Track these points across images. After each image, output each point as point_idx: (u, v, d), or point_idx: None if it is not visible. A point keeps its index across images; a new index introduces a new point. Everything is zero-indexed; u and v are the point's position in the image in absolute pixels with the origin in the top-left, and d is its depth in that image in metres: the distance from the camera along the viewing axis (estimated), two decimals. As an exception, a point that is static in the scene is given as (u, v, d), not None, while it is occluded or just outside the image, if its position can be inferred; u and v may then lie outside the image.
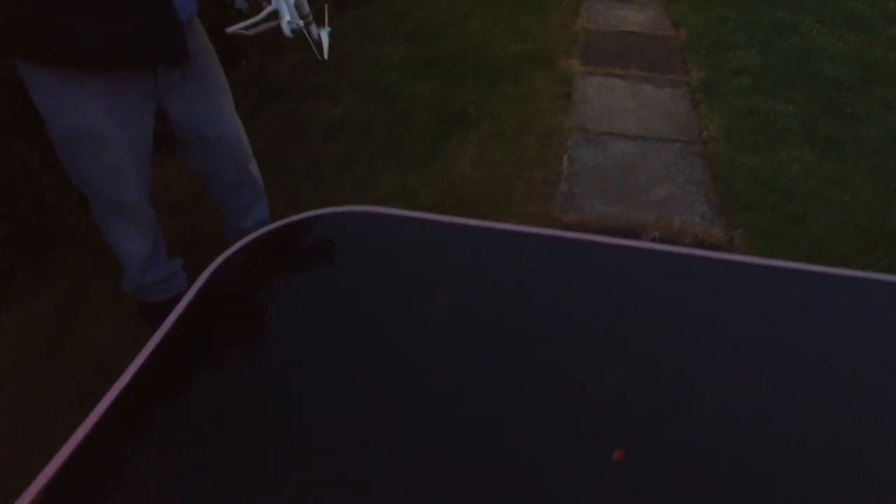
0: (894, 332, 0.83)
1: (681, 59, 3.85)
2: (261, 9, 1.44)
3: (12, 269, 2.03)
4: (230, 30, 1.46)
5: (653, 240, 2.34)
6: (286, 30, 1.42)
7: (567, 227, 2.37)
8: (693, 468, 0.66)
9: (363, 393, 0.74)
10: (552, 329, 0.82)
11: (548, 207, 2.54)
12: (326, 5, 1.83)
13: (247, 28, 1.47)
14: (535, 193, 2.62)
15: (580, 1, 4.61)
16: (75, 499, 0.63)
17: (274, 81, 3.37)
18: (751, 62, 3.73)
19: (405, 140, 2.92)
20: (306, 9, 1.53)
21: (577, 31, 4.12)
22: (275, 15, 1.43)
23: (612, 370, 0.76)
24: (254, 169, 1.90)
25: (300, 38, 1.48)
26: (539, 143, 2.93)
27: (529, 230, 0.98)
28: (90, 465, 0.65)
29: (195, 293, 0.86)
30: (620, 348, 0.79)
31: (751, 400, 0.73)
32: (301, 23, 1.45)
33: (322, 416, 0.69)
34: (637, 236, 2.37)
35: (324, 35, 1.56)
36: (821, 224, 2.50)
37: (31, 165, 2.13)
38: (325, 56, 1.56)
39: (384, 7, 4.29)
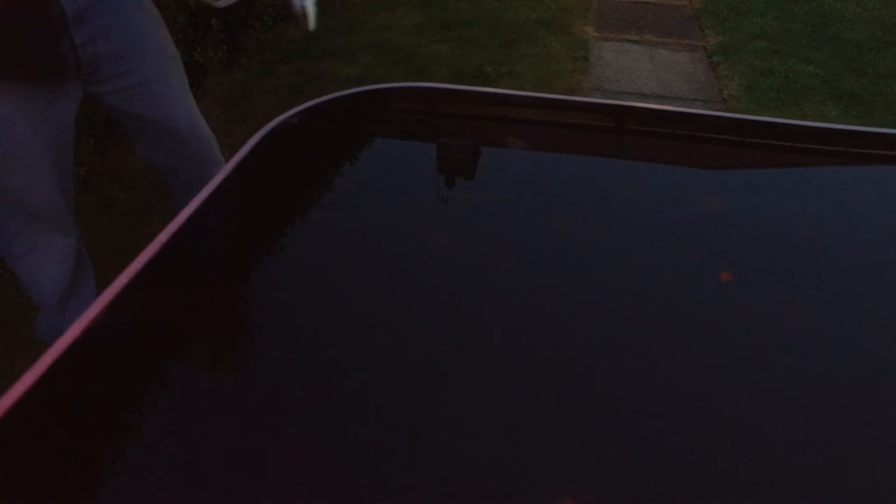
0: None
1: (696, 25, 3.81)
2: None
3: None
4: None
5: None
6: None
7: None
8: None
9: (430, 243, 0.70)
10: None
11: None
12: None
13: None
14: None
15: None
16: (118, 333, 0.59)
17: (288, 44, 3.32)
18: (768, 27, 3.68)
19: (423, 97, 2.87)
20: None
21: (590, 0, 4.08)
22: None
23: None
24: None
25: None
26: (559, 100, 2.88)
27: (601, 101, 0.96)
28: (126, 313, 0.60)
29: (243, 154, 0.82)
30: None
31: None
32: None
33: (367, 271, 0.65)
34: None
35: (309, 4, 1.44)
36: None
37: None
38: (312, 26, 1.46)
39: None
